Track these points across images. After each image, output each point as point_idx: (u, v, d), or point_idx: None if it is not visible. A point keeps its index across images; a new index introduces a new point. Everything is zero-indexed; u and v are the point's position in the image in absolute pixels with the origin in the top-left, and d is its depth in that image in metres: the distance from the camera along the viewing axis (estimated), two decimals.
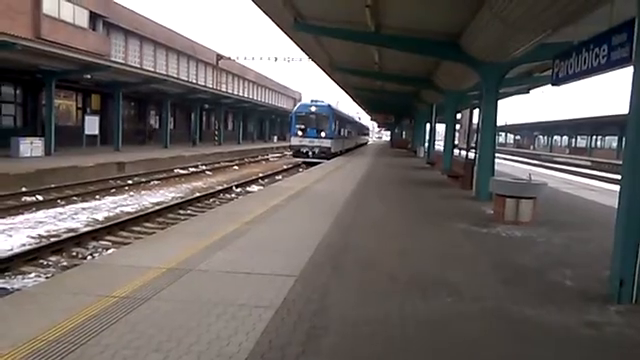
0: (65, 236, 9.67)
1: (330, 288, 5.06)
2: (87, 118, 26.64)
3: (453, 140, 19.83)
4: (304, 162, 29.02)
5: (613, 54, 5.40)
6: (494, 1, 8.78)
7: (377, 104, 43.97)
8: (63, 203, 13.41)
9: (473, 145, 14.59)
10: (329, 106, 31.02)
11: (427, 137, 30.62)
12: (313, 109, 30.10)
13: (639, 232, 4.84)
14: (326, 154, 28.92)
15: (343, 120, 37.44)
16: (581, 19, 7.33)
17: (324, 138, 29.34)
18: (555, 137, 72.60)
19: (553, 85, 7.61)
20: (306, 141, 29.26)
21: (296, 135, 29.70)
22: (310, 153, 29.05)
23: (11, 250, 8.61)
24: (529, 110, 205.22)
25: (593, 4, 6.78)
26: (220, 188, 17.77)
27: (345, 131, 38.46)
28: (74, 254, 8.80)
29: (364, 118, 75.84)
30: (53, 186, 15.38)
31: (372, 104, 46.16)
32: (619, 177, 5.60)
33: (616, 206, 5.24)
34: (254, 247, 6.64)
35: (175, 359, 3.37)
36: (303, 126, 29.51)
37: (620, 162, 5.83)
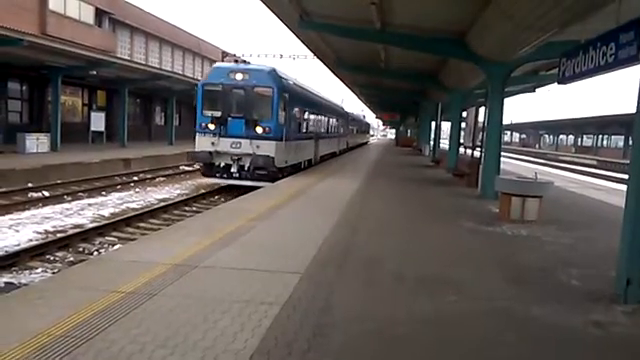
0: (71, 232, 9.72)
1: (335, 285, 5.06)
2: (93, 114, 26.72)
3: (458, 138, 19.79)
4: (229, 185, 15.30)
5: (620, 52, 5.38)
6: None
7: (382, 102, 43.90)
8: (69, 199, 13.46)
9: (479, 143, 14.56)
10: (273, 72, 15.32)
11: (432, 135, 30.47)
12: (239, 77, 14.71)
13: None
14: (267, 170, 14.61)
15: (311, 104, 20.54)
16: (588, 17, 7.29)
17: (261, 138, 14.53)
18: (561, 136, 72.31)
19: (559, 84, 7.59)
20: (225, 144, 14.66)
21: (204, 131, 14.84)
22: (234, 169, 14.70)
23: (18, 245, 8.65)
24: (535, 109, 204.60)
25: (600, 2, 6.74)
26: (225, 185, 17.74)
27: (317, 124, 21.96)
28: (80, 249, 8.84)
29: (369, 116, 75.69)
30: (59, 182, 15.42)
31: (378, 102, 46.09)
32: (626, 176, 5.58)
33: (623, 205, 5.22)
34: (259, 244, 6.65)
35: (181, 355, 3.39)
36: (218, 113, 14.65)
37: (627, 161, 5.81)
